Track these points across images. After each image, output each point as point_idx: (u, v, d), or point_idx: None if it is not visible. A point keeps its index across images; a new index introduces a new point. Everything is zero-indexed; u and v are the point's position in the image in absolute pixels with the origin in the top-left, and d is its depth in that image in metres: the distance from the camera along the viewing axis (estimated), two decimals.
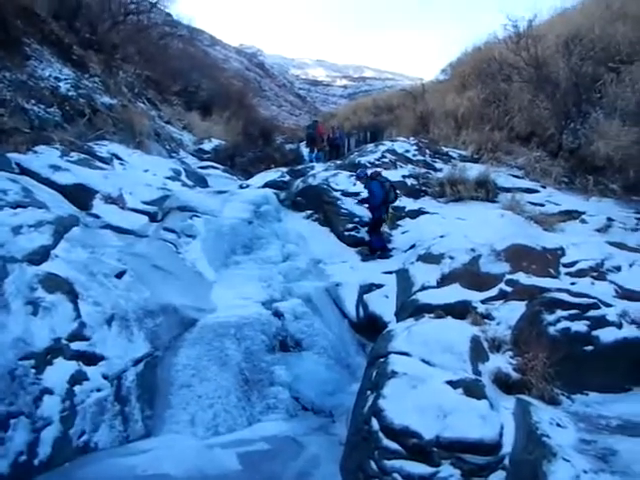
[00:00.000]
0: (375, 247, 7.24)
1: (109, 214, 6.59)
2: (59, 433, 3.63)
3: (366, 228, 7.60)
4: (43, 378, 3.73)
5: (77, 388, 3.88)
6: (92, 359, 4.15)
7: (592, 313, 4.39)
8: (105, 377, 4.12)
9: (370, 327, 5.85)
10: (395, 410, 3.55)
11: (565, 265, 5.76)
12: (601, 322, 4.30)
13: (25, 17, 10.27)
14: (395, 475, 3.31)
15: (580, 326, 4.27)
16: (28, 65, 9.62)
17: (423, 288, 5.79)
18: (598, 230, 7.31)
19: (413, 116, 15.74)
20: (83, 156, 7.87)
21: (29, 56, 9.89)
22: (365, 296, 6.26)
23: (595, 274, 5.57)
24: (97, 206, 6.67)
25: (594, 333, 4.22)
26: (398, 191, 7.80)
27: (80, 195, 6.67)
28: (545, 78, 10.97)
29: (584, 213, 7.87)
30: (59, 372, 3.86)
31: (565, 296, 4.61)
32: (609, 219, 7.55)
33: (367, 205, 7.45)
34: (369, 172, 7.77)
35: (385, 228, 7.54)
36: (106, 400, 4.02)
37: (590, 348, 4.16)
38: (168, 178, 8.97)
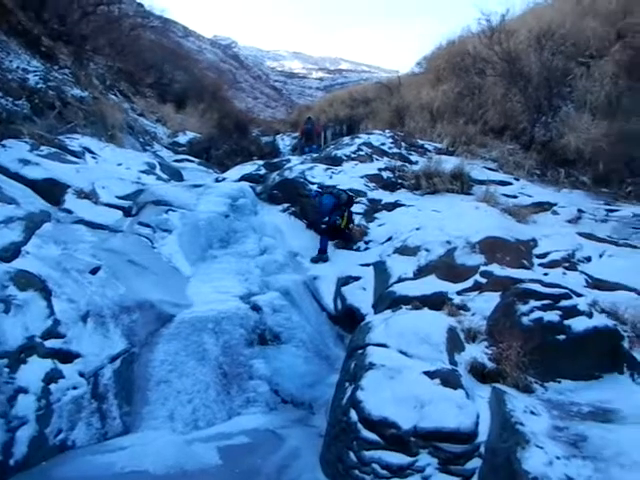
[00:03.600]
0: (322, 247, 7.20)
1: (82, 209, 6.48)
2: (35, 432, 3.58)
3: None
4: (17, 377, 3.67)
5: (53, 386, 3.84)
6: (67, 357, 4.10)
7: (564, 303, 4.48)
8: (81, 375, 4.08)
9: (348, 319, 5.87)
10: (373, 401, 3.59)
11: (538, 256, 5.89)
12: (572, 312, 4.39)
13: None
14: (374, 465, 3.37)
15: (552, 316, 4.36)
16: None
17: (400, 280, 5.84)
18: (569, 221, 7.46)
19: (389, 109, 15.80)
20: (54, 150, 7.72)
21: None
22: (343, 288, 6.28)
23: (567, 265, 5.72)
24: (69, 201, 6.55)
25: (566, 322, 4.31)
26: (374, 183, 7.90)
27: (51, 190, 6.55)
28: (518, 72, 11.11)
29: (556, 205, 8.01)
30: (34, 371, 3.80)
31: (538, 287, 4.70)
32: (579, 210, 7.72)
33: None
34: (319, 189, 7.92)
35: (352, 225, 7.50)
36: (83, 398, 3.99)
37: (562, 337, 4.25)
38: (142, 172, 8.86)
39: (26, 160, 6.75)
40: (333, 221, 7.16)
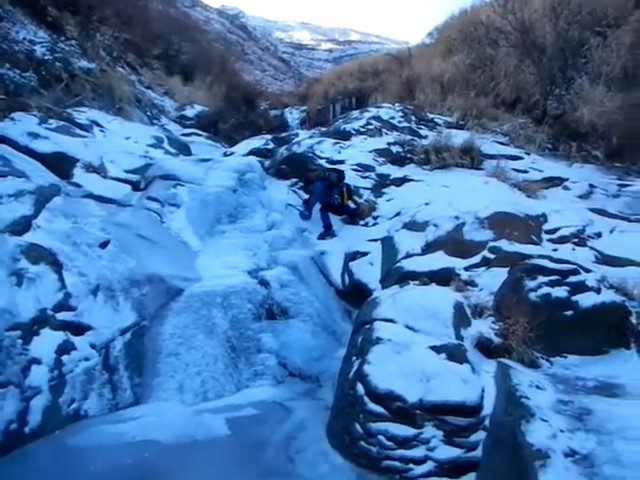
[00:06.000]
0: (325, 224, 7.30)
1: (91, 183, 6.49)
2: (48, 402, 3.66)
3: (350, 201, 7.54)
4: (30, 348, 3.73)
5: (65, 357, 3.90)
6: (79, 329, 4.15)
7: (572, 279, 4.47)
8: (93, 346, 4.14)
9: (355, 294, 5.90)
10: (380, 375, 3.64)
11: (547, 232, 5.86)
12: (580, 287, 4.39)
13: None
14: (380, 437, 3.44)
15: (560, 292, 4.36)
16: (1, 27, 9.25)
17: (408, 255, 5.84)
18: (580, 197, 7.39)
19: (399, 81, 15.57)
20: (62, 123, 7.68)
21: (1, 17, 9.50)
22: (350, 264, 6.29)
23: (576, 240, 5.69)
24: (78, 175, 6.56)
25: (574, 298, 4.31)
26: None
27: (60, 163, 6.55)
28: (531, 43, 10.87)
29: (567, 180, 7.93)
30: (46, 342, 3.86)
31: (546, 262, 4.68)
32: (591, 185, 7.63)
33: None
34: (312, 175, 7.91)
35: (349, 202, 7.55)
36: (94, 369, 4.06)
37: (570, 313, 4.25)
38: (150, 146, 8.81)
39: (35, 133, 6.73)
40: (333, 200, 7.21)
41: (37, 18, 10.86)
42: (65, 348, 3.95)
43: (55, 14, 11.46)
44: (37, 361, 3.72)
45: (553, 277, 4.48)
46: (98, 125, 8.59)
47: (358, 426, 3.57)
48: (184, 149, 9.92)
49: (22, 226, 4.67)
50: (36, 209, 5.06)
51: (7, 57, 8.73)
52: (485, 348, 4.15)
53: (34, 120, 7.23)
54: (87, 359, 4.05)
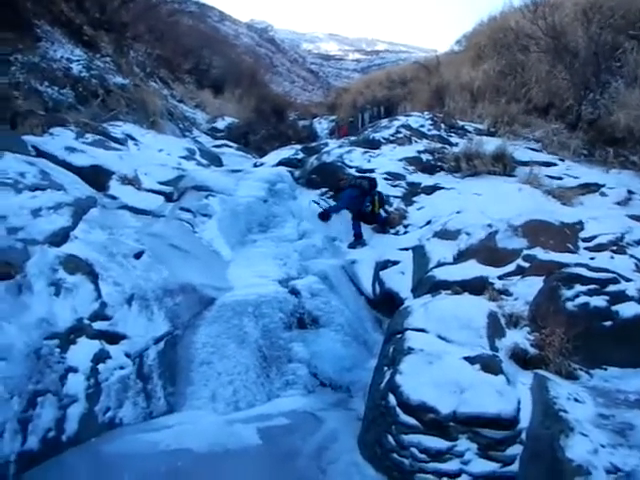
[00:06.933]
0: (356, 233, 7.27)
1: (126, 195, 6.66)
2: (85, 410, 3.72)
3: (380, 209, 7.50)
4: (67, 357, 3.81)
5: (101, 366, 3.97)
6: (114, 338, 4.23)
7: (611, 288, 4.33)
8: (127, 355, 4.20)
9: (386, 304, 5.85)
10: (412, 386, 3.57)
11: (584, 239, 5.68)
12: (620, 297, 4.25)
13: None
14: (412, 449, 3.37)
15: (599, 301, 4.23)
16: (40, 47, 9.64)
17: (439, 264, 5.77)
18: (618, 203, 7.16)
19: (428, 89, 15.49)
20: (98, 137, 7.94)
21: (40, 37, 9.91)
22: (381, 273, 6.25)
23: (615, 248, 5.48)
24: (114, 187, 6.74)
25: (613, 308, 4.17)
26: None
27: (97, 176, 6.74)
28: (563, 48, 10.66)
29: (604, 186, 7.70)
30: (83, 351, 3.94)
31: (584, 271, 4.55)
32: (629, 192, 7.39)
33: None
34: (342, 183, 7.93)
35: (381, 211, 7.51)
36: (129, 378, 4.11)
37: (609, 323, 4.11)
38: (183, 157, 9.01)
39: (72, 148, 6.96)
40: (365, 208, 7.18)
41: (74, 37, 11.30)
42: (101, 357, 4.02)
43: (91, 33, 11.91)
44: (74, 369, 3.79)
45: (591, 286, 4.35)
46: (132, 138, 8.83)
47: (390, 438, 3.51)
48: (215, 160, 10.09)
49: (61, 237, 4.82)
50: (74, 221, 5.21)
51: (46, 75, 9.09)
52: (520, 359, 4.04)
53: (71, 135, 7.49)
54: (122, 368, 4.11)
